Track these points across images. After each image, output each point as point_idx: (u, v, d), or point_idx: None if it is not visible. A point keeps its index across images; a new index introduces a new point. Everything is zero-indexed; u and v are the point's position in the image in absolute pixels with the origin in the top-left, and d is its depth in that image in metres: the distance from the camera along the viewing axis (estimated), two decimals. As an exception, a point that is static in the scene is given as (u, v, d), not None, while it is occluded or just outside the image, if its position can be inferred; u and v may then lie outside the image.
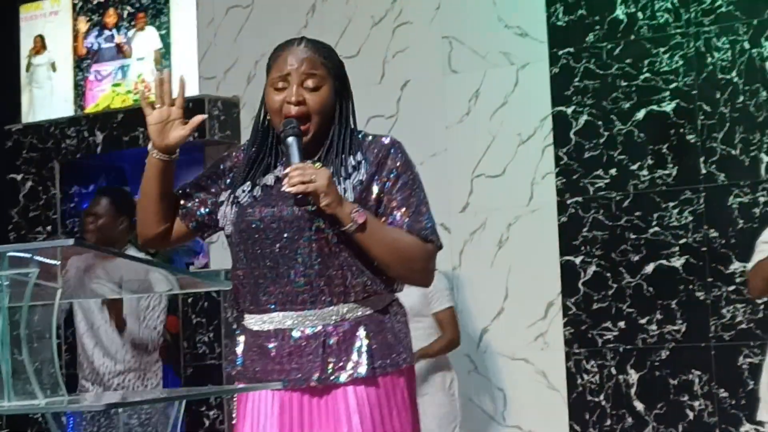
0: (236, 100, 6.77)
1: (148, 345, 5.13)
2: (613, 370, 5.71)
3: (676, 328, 5.60)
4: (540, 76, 5.95)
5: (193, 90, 6.83)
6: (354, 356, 2.79)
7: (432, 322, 5.42)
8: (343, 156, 2.84)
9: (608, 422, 5.70)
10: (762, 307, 5.41)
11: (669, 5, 5.69)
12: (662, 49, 5.69)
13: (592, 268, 5.79)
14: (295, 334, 2.81)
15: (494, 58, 6.09)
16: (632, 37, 5.76)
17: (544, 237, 5.88)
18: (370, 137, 2.92)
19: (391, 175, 2.85)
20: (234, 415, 2.93)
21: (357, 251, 2.79)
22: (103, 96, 7.22)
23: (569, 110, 5.88)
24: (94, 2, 7.30)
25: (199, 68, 6.91)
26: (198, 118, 2.87)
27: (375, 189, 2.84)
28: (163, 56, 7.04)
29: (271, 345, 2.83)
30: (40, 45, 7.41)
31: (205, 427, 6.54)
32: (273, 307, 2.82)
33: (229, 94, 6.78)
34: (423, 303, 5.34)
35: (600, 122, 5.81)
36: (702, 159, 5.59)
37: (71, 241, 2.07)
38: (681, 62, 5.65)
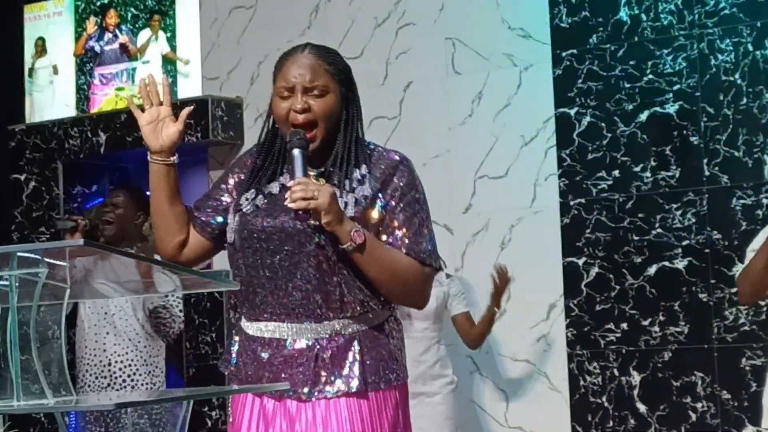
0: (239, 100, 6.78)
1: (170, 330, 5.18)
2: (616, 372, 5.71)
3: (678, 329, 5.61)
4: (543, 78, 5.96)
5: (196, 91, 6.85)
6: (346, 371, 2.79)
7: (439, 328, 5.45)
8: (348, 168, 2.83)
9: (611, 424, 5.71)
10: (765, 309, 5.41)
11: (672, 7, 5.70)
12: (665, 51, 5.70)
13: (595, 270, 5.80)
14: (289, 345, 2.81)
15: (497, 60, 6.09)
16: (635, 38, 5.77)
17: (547, 238, 5.88)
18: (379, 150, 2.90)
19: (396, 194, 2.84)
20: (229, 413, 2.95)
21: (355, 268, 2.78)
22: (106, 100, 7.22)
23: (572, 112, 5.89)
24: (97, 3, 7.30)
25: (202, 69, 6.91)
26: (186, 110, 2.90)
27: (378, 206, 2.83)
28: (171, 59, 7.04)
29: (264, 353, 2.83)
30: (41, 48, 7.41)
31: (207, 427, 6.55)
32: (268, 316, 2.83)
33: (232, 94, 6.79)
34: (441, 306, 5.40)
35: (603, 124, 5.81)
36: (705, 161, 5.60)
37: (81, 242, 2.07)
38: (684, 64, 5.66)
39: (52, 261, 2.15)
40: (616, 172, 5.77)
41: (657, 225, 5.68)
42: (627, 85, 5.77)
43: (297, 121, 2.81)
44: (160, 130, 2.87)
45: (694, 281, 5.58)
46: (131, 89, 7.13)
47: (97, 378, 5.18)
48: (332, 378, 2.78)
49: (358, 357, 2.79)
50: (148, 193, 3.19)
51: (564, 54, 5.91)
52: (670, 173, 5.67)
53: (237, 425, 2.86)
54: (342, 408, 2.78)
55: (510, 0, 6.08)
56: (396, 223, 2.83)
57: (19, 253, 2.09)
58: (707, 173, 5.59)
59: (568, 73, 5.89)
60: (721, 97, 5.58)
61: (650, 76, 5.72)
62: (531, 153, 5.98)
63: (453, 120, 6.19)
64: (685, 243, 5.60)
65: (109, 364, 5.16)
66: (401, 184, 2.85)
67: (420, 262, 2.83)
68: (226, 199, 2.93)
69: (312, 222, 2.74)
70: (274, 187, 2.87)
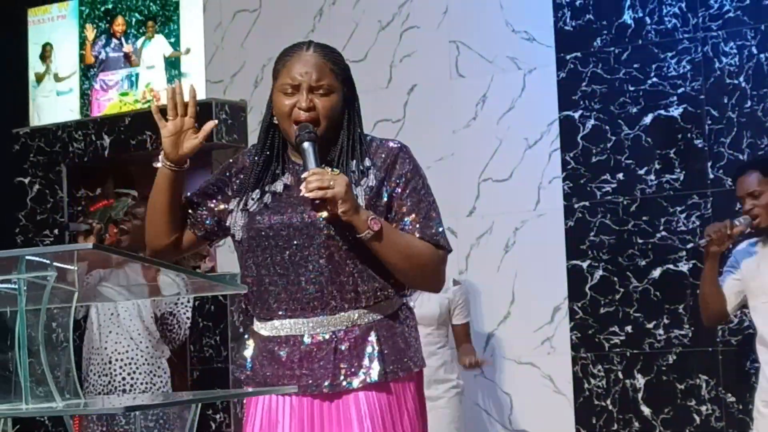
0: (243, 104, 6.78)
1: (175, 337, 5.21)
2: (620, 375, 5.71)
3: (683, 332, 5.61)
4: (547, 81, 5.96)
5: (200, 94, 6.85)
6: (365, 362, 2.80)
7: (443, 333, 5.44)
8: (353, 162, 2.86)
9: (615, 427, 5.71)
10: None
11: (676, 10, 5.70)
12: (670, 54, 5.70)
13: (599, 273, 5.80)
14: (306, 340, 2.82)
15: (501, 63, 6.10)
16: (640, 41, 5.77)
17: (551, 241, 5.88)
18: (377, 141, 2.93)
19: (401, 181, 2.87)
20: (243, 416, 2.94)
21: (367, 257, 2.80)
22: (110, 105, 7.22)
23: (576, 115, 5.89)
24: (101, 9, 7.31)
25: (206, 72, 6.92)
26: (209, 125, 2.88)
27: (384, 194, 2.85)
28: (174, 61, 7.05)
29: (281, 351, 2.83)
30: (48, 54, 7.41)
31: (211, 430, 6.55)
32: (283, 313, 2.83)
33: (236, 97, 6.79)
34: (444, 313, 5.39)
35: (607, 127, 5.81)
36: (709, 164, 5.60)
37: (90, 245, 2.07)
38: (688, 67, 5.66)
39: (60, 265, 2.15)
40: (620, 175, 5.77)
41: (661, 228, 5.68)
42: (631, 88, 5.77)
43: (300, 118, 2.82)
44: (182, 142, 2.87)
45: (698, 284, 5.57)
46: (135, 94, 7.14)
47: (99, 376, 5.20)
48: (352, 370, 2.79)
49: (376, 347, 2.80)
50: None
51: (568, 57, 5.92)
52: (674, 176, 5.67)
53: (257, 426, 2.85)
54: (363, 400, 2.79)
55: (514, 3, 6.09)
56: (404, 209, 2.86)
57: (27, 257, 2.10)
58: (711, 176, 5.59)
59: (572, 76, 5.90)
60: (726, 100, 5.58)
61: (654, 79, 5.73)
62: (535, 156, 5.98)
63: (457, 123, 6.19)
64: (689, 246, 5.60)
65: (110, 362, 5.18)
66: (404, 171, 2.88)
67: (434, 245, 2.86)
68: (221, 206, 2.94)
69: (322, 214, 2.75)
70: (279, 187, 2.88)
